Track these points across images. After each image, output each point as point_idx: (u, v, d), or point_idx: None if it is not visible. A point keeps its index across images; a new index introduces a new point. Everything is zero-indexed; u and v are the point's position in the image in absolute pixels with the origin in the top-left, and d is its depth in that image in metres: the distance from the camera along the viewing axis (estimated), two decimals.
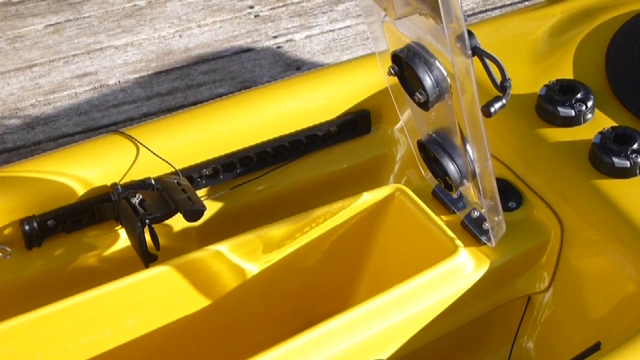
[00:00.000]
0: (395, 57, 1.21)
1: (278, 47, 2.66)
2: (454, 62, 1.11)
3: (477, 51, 1.10)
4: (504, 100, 1.12)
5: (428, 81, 1.16)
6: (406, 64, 1.18)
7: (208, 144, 1.47)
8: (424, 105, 1.19)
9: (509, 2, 2.87)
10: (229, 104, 1.52)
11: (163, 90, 2.53)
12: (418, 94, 1.17)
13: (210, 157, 1.48)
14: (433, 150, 1.25)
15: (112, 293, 1.23)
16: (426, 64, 1.16)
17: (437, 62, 1.16)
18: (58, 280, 1.39)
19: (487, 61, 1.11)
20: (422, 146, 1.28)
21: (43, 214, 1.38)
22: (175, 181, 1.39)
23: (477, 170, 1.22)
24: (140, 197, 1.34)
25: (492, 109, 1.11)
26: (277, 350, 1.14)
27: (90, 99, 2.51)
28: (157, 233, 1.34)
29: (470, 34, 1.09)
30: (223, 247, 1.29)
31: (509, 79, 1.12)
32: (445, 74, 1.16)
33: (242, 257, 1.31)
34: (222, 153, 1.48)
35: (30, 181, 1.38)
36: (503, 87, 1.12)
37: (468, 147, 1.21)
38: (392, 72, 1.21)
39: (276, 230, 1.32)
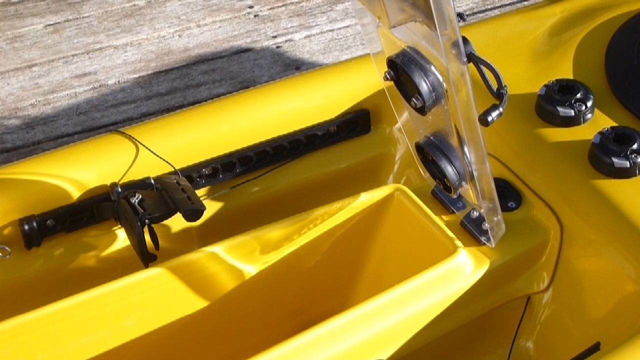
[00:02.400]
0: (391, 63, 1.20)
1: (277, 47, 2.65)
2: (449, 68, 1.10)
3: (472, 58, 1.09)
4: (500, 109, 1.11)
5: (424, 86, 1.15)
6: (402, 70, 1.17)
7: (207, 143, 1.47)
8: (421, 110, 1.18)
9: (507, 2, 2.87)
10: (229, 103, 1.51)
11: (162, 90, 2.52)
12: (414, 99, 1.17)
13: (209, 156, 1.47)
14: (431, 152, 1.24)
15: (111, 293, 1.23)
16: (422, 70, 1.15)
17: (432, 68, 1.15)
18: (57, 280, 1.39)
19: (483, 68, 1.10)
20: (420, 149, 1.28)
21: (42, 213, 1.37)
22: (175, 181, 1.38)
23: (475, 173, 1.22)
24: (140, 196, 1.33)
25: (490, 118, 1.11)
26: (277, 350, 1.13)
27: (90, 99, 2.50)
28: (156, 233, 1.34)
29: (465, 40, 1.08)
30: (222, 248, 1.29)
31: (505, 85, 1.10)
32: (441, 79, 1.15)
33: (241, 258, 1.31)
34: (222, 153, 1.48)
35: (30, 181, 1.37)
36: (499, 94, 1.11)
37: (465, 149, 1.21)
38: (388, 77, 1.21)
39: (275, 231, 1.31)
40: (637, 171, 1.32)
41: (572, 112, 1.41)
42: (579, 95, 1.42)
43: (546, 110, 1.42)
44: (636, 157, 1.32)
